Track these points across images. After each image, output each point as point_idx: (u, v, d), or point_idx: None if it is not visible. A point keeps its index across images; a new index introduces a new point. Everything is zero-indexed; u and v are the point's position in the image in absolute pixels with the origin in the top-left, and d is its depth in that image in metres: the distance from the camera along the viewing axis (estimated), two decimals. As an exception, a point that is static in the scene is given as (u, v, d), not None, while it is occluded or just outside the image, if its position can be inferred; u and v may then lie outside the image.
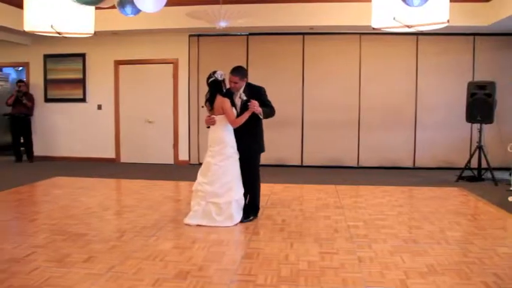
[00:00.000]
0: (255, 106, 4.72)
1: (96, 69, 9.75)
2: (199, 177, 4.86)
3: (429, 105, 8.81)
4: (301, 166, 9.14)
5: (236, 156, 4.86)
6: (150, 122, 9.59)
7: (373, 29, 5.55)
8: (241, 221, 4.85)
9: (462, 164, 7.97)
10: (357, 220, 5.10)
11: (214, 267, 3.68)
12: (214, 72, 4.83)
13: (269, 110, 4.93)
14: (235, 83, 4.81)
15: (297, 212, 5.47)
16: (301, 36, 9.02)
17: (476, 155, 7.66)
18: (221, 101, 4.76)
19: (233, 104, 4.84)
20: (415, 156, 8.93)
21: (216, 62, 9.03)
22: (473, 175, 7.67)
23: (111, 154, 9.80)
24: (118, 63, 9.65)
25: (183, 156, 9.48)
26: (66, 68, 9.84)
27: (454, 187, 7.00)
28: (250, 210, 5.02)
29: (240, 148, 4.88)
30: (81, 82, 9.80)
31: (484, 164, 7.58)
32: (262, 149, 5.11)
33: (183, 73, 9.40)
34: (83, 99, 9.82)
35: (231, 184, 4.79)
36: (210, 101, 4.83)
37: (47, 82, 9.94)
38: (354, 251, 4.05)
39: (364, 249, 4.10)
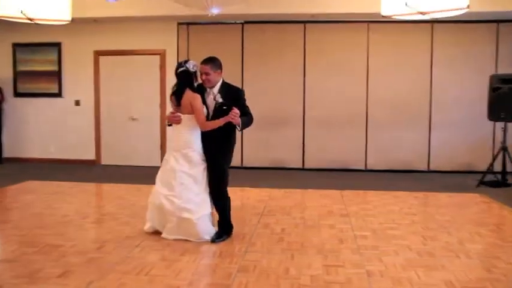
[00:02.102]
0: (236, 116, 4.43)
1: (74, 60, 9.70)
2: (162, 189, 4.60)
3: (446, 101, 8.81)
4: (302, 169, 9.13)
5: (204, 164, 4.63)
6: (134, 119, 9.55)
7: (383, 16, 5.55)
8: (213, 241, 4.56)
9: (483, 167, 7.99)
10: (365, 229, 5.09)
11: (205, 282, 3.67)
12: (186, 61, 4.60)
13: (247, 120, 4.63)
14: (207, 73, 4.52)
15: (298, 220, 5.46)
16: (302, 25, 9.00)
17: (500, 157, 7.66)
18: (191, 96, 4.49)
19: (204, 103, 4.56)
20: (429, 159, 8.93)
21: (207, 53, 8.87)
22: (496, 180, 7.67)
23: (91, 155, 9.76)
24: (98, 53, 9.61)
25: (171, 158, 9.44)
26: (39, 58, 9.79)
27: (475, 193, 6.99)
28: (223, 229, 4.73)
29: (209, 156, 4.64)
30: (57, 75, 9.76)
31: (509, 167, 7.58)
32: (230, 161, 4.82)
33: (171, 65, 9.31)
34: (59, 94, 9.79)
35: (202, 196, 4.60)
36: (177, 95, 4.55)
37: (17, 74, 9.89)
38: (362, 264, 4.03)
39: (374, 262, 4.08)
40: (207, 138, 4.60)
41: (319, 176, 8.55)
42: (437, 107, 8.86)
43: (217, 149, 4.63)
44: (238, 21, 9.12)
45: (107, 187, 7.49)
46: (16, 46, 9.85)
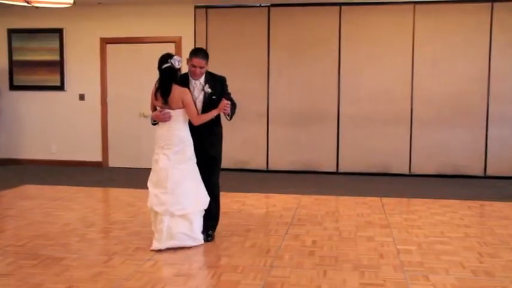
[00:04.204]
0: (227, 107, 4.93)
1: (77, 49, 9.83)
2: (155, 189, 4.87)
3: (507, 93, 8.69)
4: (337, 173, 9.12)
5: (195, 158, 4.96)
6: (145, 116, 9.62)
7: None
8: (209, 239, 5.05)
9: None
10: (409, 243, 5.07)
11: (225, 301, 3.70)
12: (171, 56, 4.90)
13: (234, 109, 5.12)
14: (202, 67, 4.96)
15: (332, 231, 5.46)
16: (337, 8, 8.98)
17: None
18: (181, 92, 4.86)
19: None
20: (486, 162, 8.82)
21: (228, 41, 9.11)
22: None
23: (97, 156, 9.88)
24: (105, 41, 9.72)
25: (186, 159, 9.51)
26: (37, 46, 9.92)
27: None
28: (212, 224, 5.16)
29: (201, 149, 5.01)
30: (58, 65, 9.88)
31: None
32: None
33: (187, 54, 9.37)
34: (61, 87, 9.91)
35: (197, 191, 4.90)
36: (165, 92, 4.88)
37: (13, 64, 10.03)
38: (406, 283, 4.01)
39: (419, 281, 4.06)
40: (198, 129, 4.96)
41: (355, 181, 8.52)
42: (496, 100, 8.73)
43: (213, 137, 5.13)
44: (263, 4, 9.14)
45: (115, 192, 7.58)
46: (12, 32, 9.98)
